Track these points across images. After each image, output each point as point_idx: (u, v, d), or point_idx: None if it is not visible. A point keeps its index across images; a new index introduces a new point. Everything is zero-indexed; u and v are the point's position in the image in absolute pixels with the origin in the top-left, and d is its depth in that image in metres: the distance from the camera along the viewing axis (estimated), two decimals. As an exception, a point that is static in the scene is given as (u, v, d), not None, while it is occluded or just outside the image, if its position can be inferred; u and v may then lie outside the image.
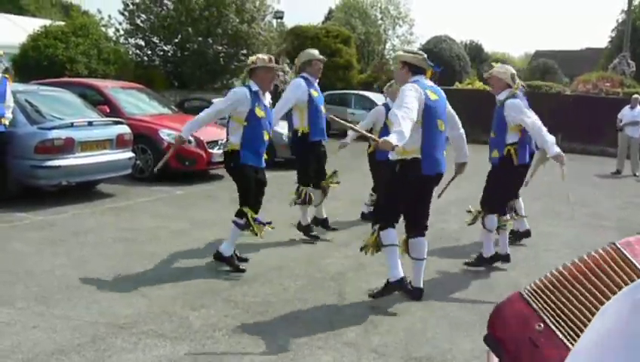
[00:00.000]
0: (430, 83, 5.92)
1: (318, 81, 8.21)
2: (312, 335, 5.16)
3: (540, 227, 9.61)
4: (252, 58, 6.89)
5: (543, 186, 13.95)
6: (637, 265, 1.98)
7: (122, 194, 10.76)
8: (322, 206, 8.53)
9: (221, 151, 12.44)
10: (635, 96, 17.80)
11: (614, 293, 1.93)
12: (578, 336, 1.93)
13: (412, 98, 5.47)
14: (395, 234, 5.98)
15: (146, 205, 10.02)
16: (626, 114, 17.72)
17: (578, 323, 2.01)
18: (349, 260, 7.45)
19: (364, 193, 9.81)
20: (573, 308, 2.05)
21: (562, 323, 2.04)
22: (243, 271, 6.71)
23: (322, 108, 8.11)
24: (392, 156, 5.81)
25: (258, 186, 6.90)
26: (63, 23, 21.65)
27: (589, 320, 1.87)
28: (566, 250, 8.17)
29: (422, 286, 6.16)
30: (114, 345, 4.75)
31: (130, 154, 10.92)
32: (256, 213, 6.89)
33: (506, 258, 7.42)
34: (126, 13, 22.38)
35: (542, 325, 2.06)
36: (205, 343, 4.88)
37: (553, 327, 2.05)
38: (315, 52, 8.30)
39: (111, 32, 22.43)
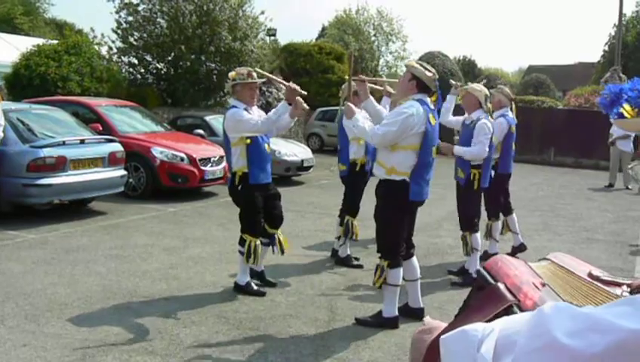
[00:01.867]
0: (432, 106, 5.74)
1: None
2: (303, 351, 5.16)
3: (533, 241, 9.63)
4: (231, 74, 6.61)
5: (537, 201, 14.01)
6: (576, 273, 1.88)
7: (114, 211, 10.75)
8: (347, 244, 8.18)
9: (214, 168, 12.61)
10: None
11: None
12: None
13: (403, 125, 5.44)
14: (402, 272, 5.83)
15: (138, 223, 10.01)
16: (617, 128, 17.82)
17: None
18: (340, 276, 7.45)
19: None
20: None
21: None
22: (263, 294, 6.58)
23: None
24: (379, 174, 5.70)
25: (271, 201, 6.74)
26: (55, 42, 21.65)
27: None
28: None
29: (422, 304, 6.12)
30: (104, 363, 4.75)
31: (123, 172, 10.93)
32: (274, 228, 6.79)
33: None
34: (119, 32, 22.36)
35: None
36: (195, 360, 4.88)
37: None
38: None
39: (104, 50, 22.41)
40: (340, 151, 8.09)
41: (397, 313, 5.84)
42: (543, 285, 1.52)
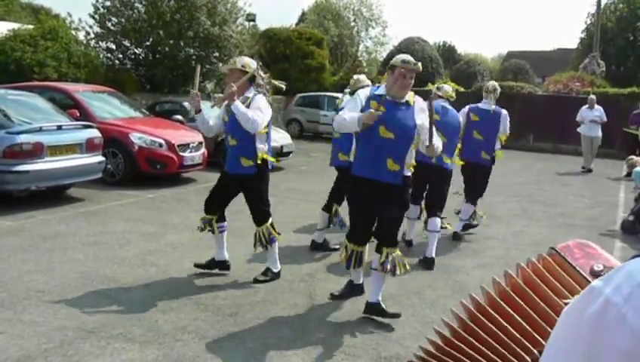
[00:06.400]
0: None
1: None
2: (282, 336, 5.17)
3: (511, 226, 9.71)
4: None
5: (515, 187, 14.09)
6: (577, 268, 2.02)
7: (93, 198, 10.68)
8: (324, 231, 8.19)
9: (193, 154, 12.62)
10: (591, 96, 18.92)
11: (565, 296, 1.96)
12: None
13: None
14: None
15: (116, 209, 9.96)
16: (585, 115, 18.26)
17: None
18: (318, 262, 7.47)
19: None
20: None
21: None
22: (224, 274, 6.72)
23: None
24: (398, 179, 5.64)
25: (247, 198, 6.71)
26: (31, 27, 21.39)
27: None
28: (535, 249, 8.24)
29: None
30: (82, 350, 4.73)
31: (101, 158, 10.84)
32: (219, 218, 6.80)
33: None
34: (96, 17, 22.10)
35: None
36: (174, 346, 4.87)
37: None
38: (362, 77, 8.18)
39: (81, 35, 22.16)
40: (341, 140, 7.63)
41: None
42: None
